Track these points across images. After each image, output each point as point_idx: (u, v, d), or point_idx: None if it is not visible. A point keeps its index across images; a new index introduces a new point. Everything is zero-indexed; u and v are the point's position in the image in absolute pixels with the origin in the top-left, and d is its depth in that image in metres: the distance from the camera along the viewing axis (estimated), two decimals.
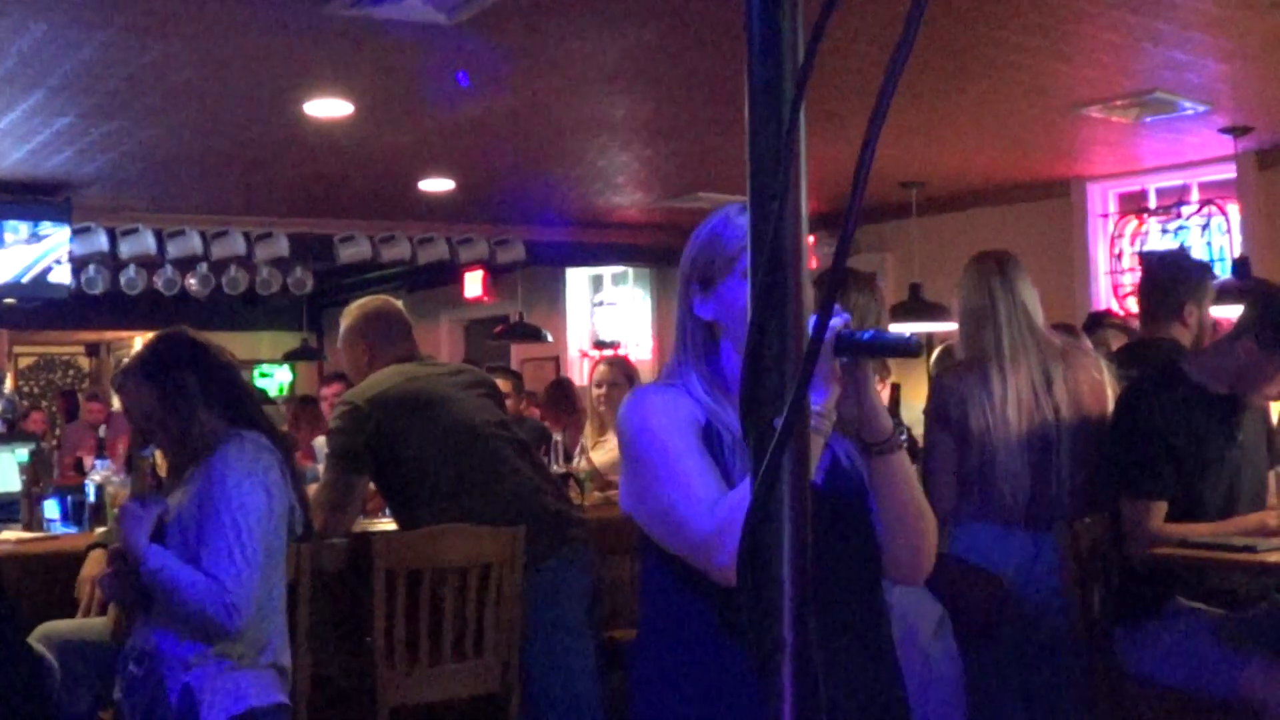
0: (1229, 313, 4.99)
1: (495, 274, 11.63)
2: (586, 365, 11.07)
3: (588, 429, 6.45)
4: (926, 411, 3.96)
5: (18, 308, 9.67)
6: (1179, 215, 8.55)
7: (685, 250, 2.20)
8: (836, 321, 1.89)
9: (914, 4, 0.86)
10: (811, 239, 1.90)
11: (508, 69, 5.79)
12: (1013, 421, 3.72)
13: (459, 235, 9.96)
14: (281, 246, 9.29)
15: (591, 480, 5.67)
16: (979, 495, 3.78)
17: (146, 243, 8.84)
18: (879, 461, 2.09)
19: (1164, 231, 8.62)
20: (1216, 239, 8.35)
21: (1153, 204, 8.70)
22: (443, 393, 4.20)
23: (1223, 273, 7.64)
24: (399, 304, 4.50)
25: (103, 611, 3.76)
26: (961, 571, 3.66)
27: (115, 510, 3.99)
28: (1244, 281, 6.53)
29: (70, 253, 8.10)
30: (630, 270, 12.07)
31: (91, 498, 4.83)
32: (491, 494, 4.08)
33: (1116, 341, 5.50)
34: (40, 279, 7.99)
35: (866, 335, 1.91)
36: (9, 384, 14.06)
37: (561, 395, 7.41)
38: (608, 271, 12.36)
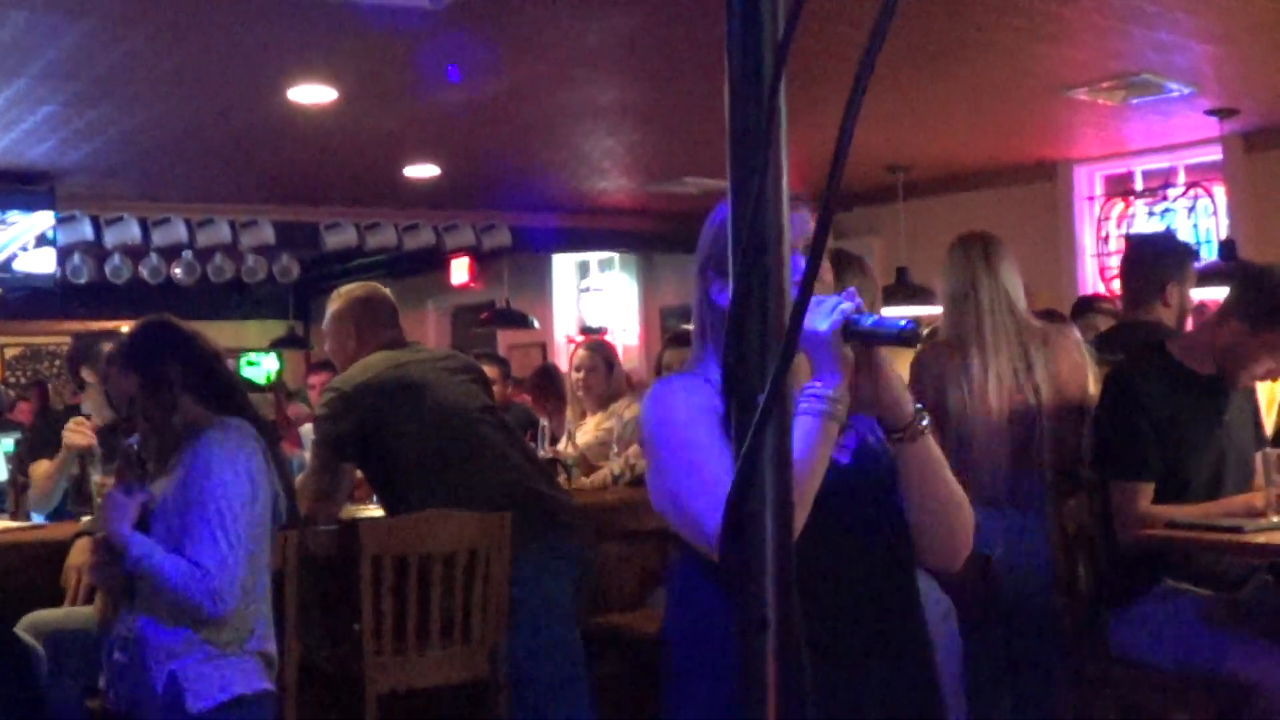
0: (1215, 295, 5.00)
1: (481, 260, 11.59)
2: None
3: (569, 413, 6.43)
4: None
5: (4, 298, 9.63)
6: (1165, 198, 8.56)
7: (700, 238, 2.16)
8: (848, 306, 1.87)
9: None
10: None
11: (492, 55, 5.77)
12: (993, 403, 3.73)
13: (445, 222, 9.93)
14: (267, 234, 9.25)
15: (578, 465, 5.66)
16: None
17: (131, 231, 8.80)
18: (904, 449, 2.04)
19: (1150, 214, 8.64)
20: (1203, 221, 8.37)
21: (1139, 186, 8.70)
22: (429, 379, 4.19)
23: (1209, 255, 7.65)
24: (386, 290, 4.48)
25: (89, 600, 3.75)
26: None
27: (100, 499, 3.97)
28: (1229, 264, 6.54)
29: (52, 238, 8.04)
30: (616, 256, 12.05)
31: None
32: (478, 480, 4.07)
33: (1106, 325, 5.49)
34: (7, 265, 7.92)
35: (870, 321, 1.86)
36: None
37: (548, 381, 7.38)
38: (594, 257, 12.35)
